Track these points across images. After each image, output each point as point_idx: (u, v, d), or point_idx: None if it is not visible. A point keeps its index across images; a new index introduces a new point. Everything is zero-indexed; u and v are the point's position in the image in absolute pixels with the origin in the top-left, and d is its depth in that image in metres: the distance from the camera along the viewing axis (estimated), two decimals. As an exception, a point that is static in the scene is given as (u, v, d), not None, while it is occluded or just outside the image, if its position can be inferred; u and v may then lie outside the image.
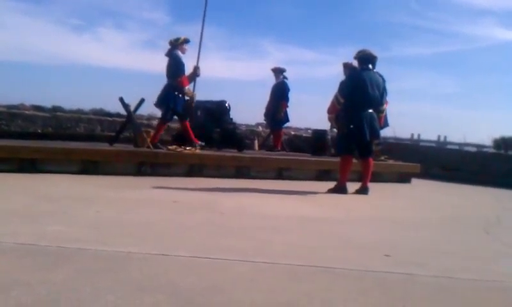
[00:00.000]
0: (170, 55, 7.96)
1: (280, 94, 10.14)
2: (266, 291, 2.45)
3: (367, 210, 5.57)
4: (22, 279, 2.33)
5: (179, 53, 7.97)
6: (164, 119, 8.20)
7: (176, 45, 7.98)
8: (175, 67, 7.89)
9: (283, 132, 11.03)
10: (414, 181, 8.95)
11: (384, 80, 6.70)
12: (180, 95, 7.92)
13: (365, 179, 6.78)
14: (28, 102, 11.45)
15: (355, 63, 6.94)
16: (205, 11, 8.55)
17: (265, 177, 7.66)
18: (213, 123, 8.99)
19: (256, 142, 10.55)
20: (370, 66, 6.64)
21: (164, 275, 2.55)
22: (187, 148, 7.71)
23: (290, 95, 10.22)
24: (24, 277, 2.37)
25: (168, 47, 7.99)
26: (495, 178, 9.76)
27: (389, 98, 6.91)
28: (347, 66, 7.80)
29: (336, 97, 6.67)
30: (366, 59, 6.64)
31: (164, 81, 7.94)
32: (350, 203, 5.99)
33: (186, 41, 8.04)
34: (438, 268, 3.11)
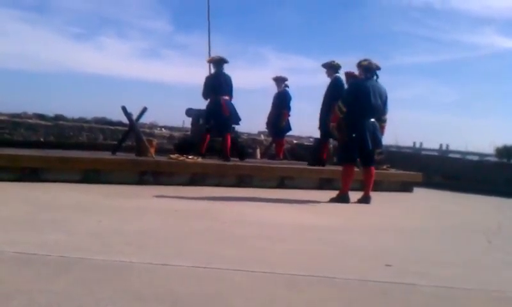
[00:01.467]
0: (224, 74, 8.44)
1: (281, 103, 10.15)
2: (266, 301, 2.45)
3: (368, 219, 5.56)
4: (22, 289, 2.34)
5: None
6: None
7: (224, 63, 8.52)
8: (232, 87, 8.52)
9: (285, 141, 11.03)
10: (416, 190, 8.93)
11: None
12: None
13: (367, 188, 6.77)
14: (31, 110, 11.50)
15: (356, 71, 6.94)
16: (209, 28, 8.93)
17: (267, 186, 7.66)
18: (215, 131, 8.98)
19: (258, 151, 10.56)
20: (374, 77, 6.66)
21: (165, 285, 2.56)
22: (189, 157, 7.72)
23: (292, 104, 10.23)
24: (24, 286, 2.37)
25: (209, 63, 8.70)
26: (497, 187, 9.72)
27: (390, 106, 6.90)
28: (348, 75, 7.82)
29: (338, 106, 6.68)
30: (370, 68, 6.64)
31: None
32: (351, 212, 5.98)
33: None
34: (438, 278, 3.10)
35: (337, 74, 8.53)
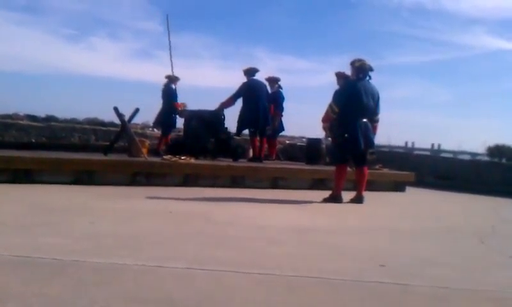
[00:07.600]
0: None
1: (274, 104, 10.15)
2: (262, 303, 2.44)
3: (361, 219, 5.58)
4: (16, 292, 2.32)
5: None
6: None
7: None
8: None
9: (278, 141, 11.04)
10: (408, 189, 8.97)
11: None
12: None
13: (359, 188, 6.79)
14: (22, 111, 11.45)
15: (349, 71, 6.95)
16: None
17: (260, 186, 7.66)
18: (208, 132, 8.99)
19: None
20: (367, 77, 6.68)
21: (160, 287, 2.55)
22: (182, 158, 7.71)
23: (285, 104, 10.25)
24: (18, 289, 2.36)
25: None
26: (489, 186, 9.79)
27: (382, 106, 6.92)
28: (340, 76, 7.84)
29: (330, 106, 6.68)
30: (364, 69, 6.66)
31: None
32: (345, 212, 5.99)
33: None
34: (433, 278, 3.11)
35: (253, 77, 9.23)
